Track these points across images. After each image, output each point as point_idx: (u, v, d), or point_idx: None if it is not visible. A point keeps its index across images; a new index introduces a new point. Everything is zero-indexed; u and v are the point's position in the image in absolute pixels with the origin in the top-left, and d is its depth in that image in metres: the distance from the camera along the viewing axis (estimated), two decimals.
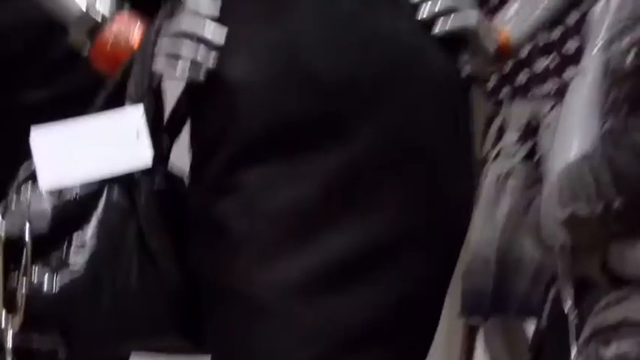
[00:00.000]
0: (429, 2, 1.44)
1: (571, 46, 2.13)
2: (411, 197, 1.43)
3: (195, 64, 1.40)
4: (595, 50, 1.49)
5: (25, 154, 1.43)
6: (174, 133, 1.48)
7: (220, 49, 1.40)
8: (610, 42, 1.42)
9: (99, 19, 1.46)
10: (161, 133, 1.45)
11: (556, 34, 2.15)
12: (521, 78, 2.11)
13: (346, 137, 1.41)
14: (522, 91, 2.14)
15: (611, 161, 1.35)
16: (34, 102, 1.73)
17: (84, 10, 1.46)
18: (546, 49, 2.06)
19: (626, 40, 1.38)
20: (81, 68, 1.61)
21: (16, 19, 1.69)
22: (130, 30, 1.46)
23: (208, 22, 1.41)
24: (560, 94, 2.08)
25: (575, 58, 2.10)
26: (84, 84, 1.63)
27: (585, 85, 1.46)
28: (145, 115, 1.41)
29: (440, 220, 1.45)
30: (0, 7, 1.70)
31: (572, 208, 1.38)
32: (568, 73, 2.12)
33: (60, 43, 1.61)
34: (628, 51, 1.38)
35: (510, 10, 1.58)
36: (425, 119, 1.44)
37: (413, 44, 1.44)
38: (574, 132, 1.45)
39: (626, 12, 1.42)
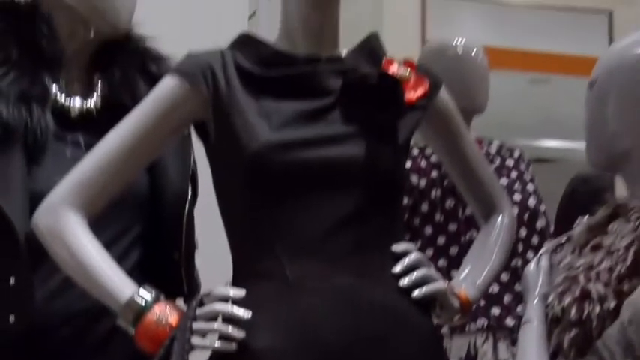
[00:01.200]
0: (407, 275, 1.76)
1: (494, 288, 2.45)
2: None
3: (226, 338, 1.67)
4: (535, 301, 1.84)
5: None
6: None
7: (245, 325, 1.68)
8: (553, 299, 1.77)
9: (143, 304, 1.69)
10: None
11: None
12: None
13: None
14: (459, 327, 2.40)
15: None
16: None
17: (130, 296, 1.69)
18: None
19: (568, 299, 1.72)
20: (118, 346, 1.84)
21: (66, 310, 1.83)
22: (169, 313, 1.69)
23: (235, 305, 1.69)
24: (490, 328, 2.44)
25: (496, 298, 2.48)
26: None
27: (532, 331, 1.80)
28: None
29: None
30: (49, 300, 1.83)
31: None
32: (493, 310, 2.47)
33: (100, 326, 1.84)
34: (570, 306, 1.72)
35: (463, 273, 1.92)
36: None
37: (398, 309, 1.73)
38: None
39: (561, 276, 1.78)
